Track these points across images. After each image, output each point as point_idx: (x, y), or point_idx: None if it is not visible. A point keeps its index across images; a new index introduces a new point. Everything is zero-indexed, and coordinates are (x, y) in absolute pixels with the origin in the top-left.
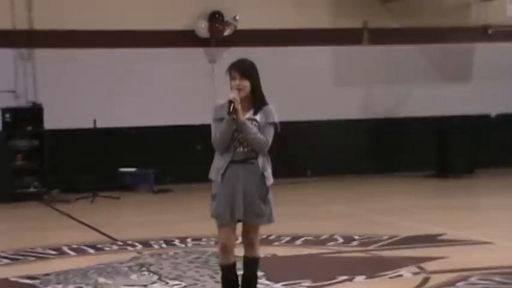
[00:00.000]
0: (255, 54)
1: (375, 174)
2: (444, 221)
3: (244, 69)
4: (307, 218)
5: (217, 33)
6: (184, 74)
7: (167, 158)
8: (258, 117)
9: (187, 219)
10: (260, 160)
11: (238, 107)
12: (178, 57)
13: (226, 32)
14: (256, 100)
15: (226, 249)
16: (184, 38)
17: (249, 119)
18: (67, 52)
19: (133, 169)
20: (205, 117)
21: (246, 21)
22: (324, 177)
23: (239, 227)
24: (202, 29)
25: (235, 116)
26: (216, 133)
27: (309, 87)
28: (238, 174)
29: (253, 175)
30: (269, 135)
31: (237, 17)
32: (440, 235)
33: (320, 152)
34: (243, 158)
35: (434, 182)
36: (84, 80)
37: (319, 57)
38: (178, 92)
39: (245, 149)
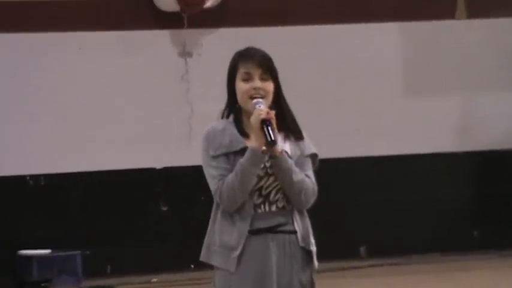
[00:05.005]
0: (261, 40)
1: (481, 251)
2: None
3: (268, 64)
4: None
5: (193, 4)
6: (136, 77)
7: (106, 229)
8: (287, 146)
9: None
10: (298, 225)
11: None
12: (125, 47)
13: (209, 3)
14: (284, 117)
15: None
16: (134, 14)
17: None
18: None
19: (45, 251)
20: (175, 156)
21: None
22: (387, 258)
23: None
24: None
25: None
26: (219, 180)
27: (359, 97)
28: (268, 254)
29: (292, 254)
30: (313, 178)
31: None
32: None
33: (381, 215)
34: (273, 225)
35: None
36: None
37: (379, 44)
38: (126, 111)
39: (272, 207)
